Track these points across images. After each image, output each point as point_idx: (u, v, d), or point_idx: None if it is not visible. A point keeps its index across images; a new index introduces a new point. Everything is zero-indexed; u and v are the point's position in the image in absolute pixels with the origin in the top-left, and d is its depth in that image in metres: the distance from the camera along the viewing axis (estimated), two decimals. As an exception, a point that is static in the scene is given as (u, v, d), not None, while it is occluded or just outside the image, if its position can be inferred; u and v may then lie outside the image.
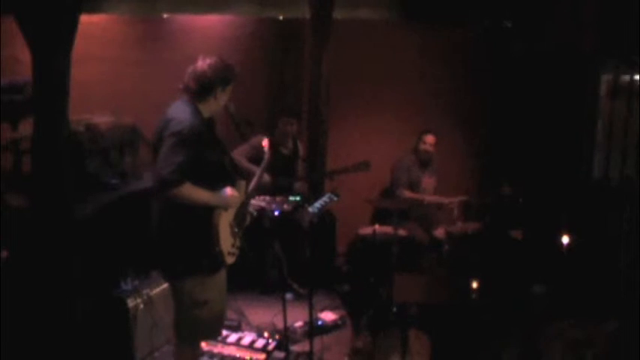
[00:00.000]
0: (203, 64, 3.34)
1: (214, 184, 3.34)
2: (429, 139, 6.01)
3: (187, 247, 3.32)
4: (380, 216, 5.84)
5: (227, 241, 3.39)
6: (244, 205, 3.58)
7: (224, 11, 5.93)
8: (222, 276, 3.52)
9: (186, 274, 3.36)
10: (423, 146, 6.01)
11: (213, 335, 3.74)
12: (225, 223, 3.38)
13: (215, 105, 3.40)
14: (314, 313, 4.52)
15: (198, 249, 3.32)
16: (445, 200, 5.99)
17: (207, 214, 3.30)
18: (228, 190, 3.40)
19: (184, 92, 3.36)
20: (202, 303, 3.40)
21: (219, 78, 3.34)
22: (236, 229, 3.49)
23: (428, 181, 6.13)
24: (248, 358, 4.31)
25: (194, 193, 3.25)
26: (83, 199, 4.33)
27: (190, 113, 3.29)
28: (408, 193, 5.97)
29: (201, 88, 3.32)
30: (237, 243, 3.50)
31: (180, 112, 3.29)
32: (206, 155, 3.29)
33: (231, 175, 3.52)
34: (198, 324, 3.46)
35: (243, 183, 3.57)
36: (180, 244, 3.32)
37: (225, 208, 3.40)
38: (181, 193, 3.19)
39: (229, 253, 3.42)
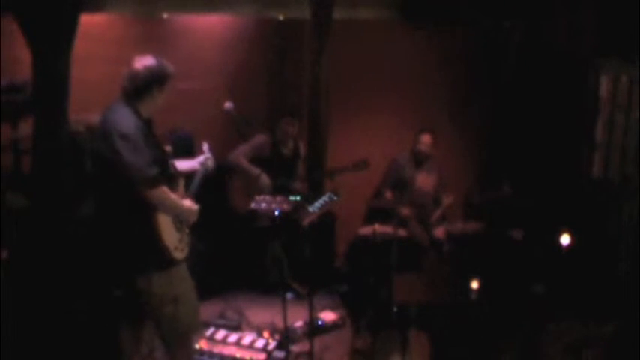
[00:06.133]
0: (138, 64, 3.36)
1: None
2: (425, 138, 6.00)
3: (132, 246, 3.32)
4: (373, 216, 5.83)
5: (172, 236, 3.38)
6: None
7: (224, 11, 5.91)
8: (182, 270, 3.49)
9: (138, 273, 3.35)
10: (418, 146, 6.03)
11: (193, 330, 3.69)
12: (165, 218, 3.35)
13: (153, 105, 3.42)
14: (314, 313, 4.51)
15: (143, 246, 3.31)
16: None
17: (146, 211, 3.27)
18: (188, 202, 3.49)
19: (122, 94, 3.37)
20: (172, 300, 3.39)
21: (155, 77, 3.36)
22: (179, 225, 3.47)
23: (425, 180, 6.11)
24: (248, 358, 4.31)
25: (169, 196, 3.31)
26: (83, 199, 4.32)
27: (130, 115, 3.31)
28: (389, 195, 6.00)
29: (138, 89, 3.34)
30: (185, 238, 3.50)
31: (120, 114, 3.31)
32: (151, 155, 3.29)
33: (173, 173, 3.54)
34: (176, 321, 3.45)
35: (181, 181, 3.61)
36: (125, 243, 3.32)
37: (187, 219, 3.48)
38: (158, 194, 3.23)
39: (177, 248, 3.40)
